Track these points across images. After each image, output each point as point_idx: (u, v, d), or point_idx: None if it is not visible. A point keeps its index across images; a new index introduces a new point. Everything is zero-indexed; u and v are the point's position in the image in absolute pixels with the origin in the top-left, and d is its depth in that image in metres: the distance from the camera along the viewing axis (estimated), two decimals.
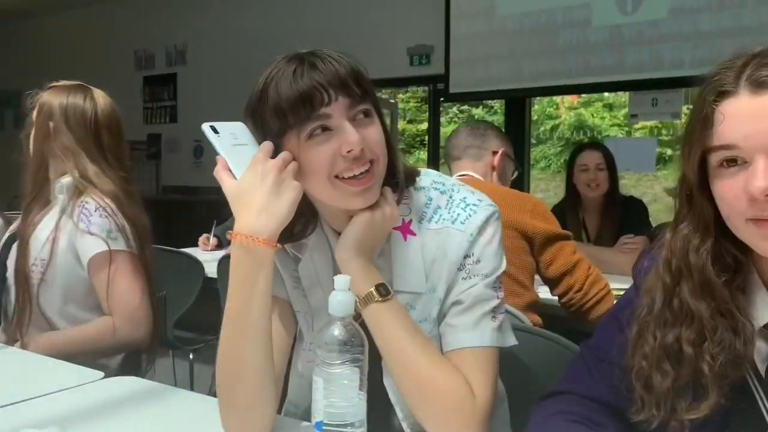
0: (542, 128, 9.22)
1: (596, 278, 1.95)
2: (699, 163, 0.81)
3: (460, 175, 2.11)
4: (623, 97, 7.31)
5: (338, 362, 0.86)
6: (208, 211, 3.11)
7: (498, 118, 7.29)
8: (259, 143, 1.00)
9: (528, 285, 1.93)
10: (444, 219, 1.05)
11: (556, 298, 1.98)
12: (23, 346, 1.60)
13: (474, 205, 1.06)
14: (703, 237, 0.84)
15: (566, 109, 9.24)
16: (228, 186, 0.98)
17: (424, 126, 7.64)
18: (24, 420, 1.06)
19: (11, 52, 7.53)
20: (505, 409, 1.21)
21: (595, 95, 8.28)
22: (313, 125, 0.96)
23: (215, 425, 1.00)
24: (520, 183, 4.25)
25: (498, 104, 6.76)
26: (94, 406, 1.16)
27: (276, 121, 0.97)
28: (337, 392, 0.87)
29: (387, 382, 1.05)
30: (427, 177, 1.10)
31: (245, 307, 0.96)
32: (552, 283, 1.97)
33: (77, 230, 1.62)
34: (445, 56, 4.71)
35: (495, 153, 2.14)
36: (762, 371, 0.83)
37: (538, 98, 7.20)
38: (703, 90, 0.81)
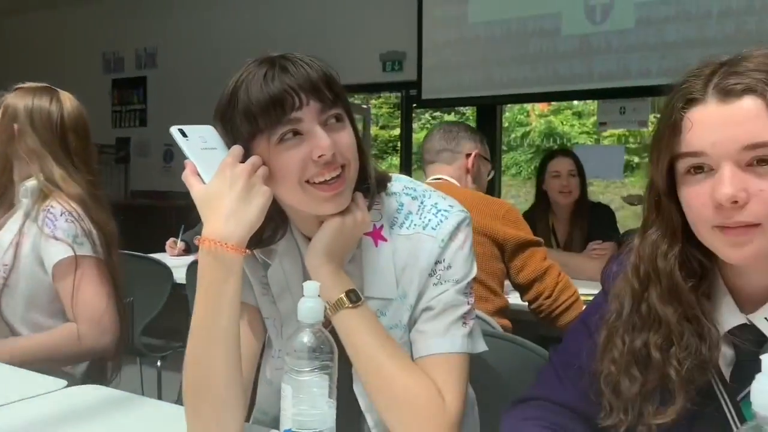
0: (513, 135, 9.31)
1: (566, 285, 1.96)
2: (667, 169, 0.82)
3: (435, 179, 2.11)
4: (592, 105, 7.42)
5: (307, 369, 0.85)
6: (178, 216, 3.07)
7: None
8: (229, 147, 0.99)
9: (498, 291, 1.94)
10: (415, 224, 1.05)
11: (526, 303, 2.00)
12: None
13: (445, 210, 1.06)
14: (671, 243, 0.85)
15: (537, 116, 9.34)
16: (196, 191, 0.96)
17: (397, 132, 7.66)
18: None
19: None
20: (476, 416, 1.21)
21: (565, 103, 8.39)
22: (283, 129, 0.95)
23: None
24: (492, 189, 4.28)
25: (470, 111, 6.79)
26: (56, 415, 1.13)
27: (246, 124, 0.96)
28: (306, 400, 0.86)
29: (357, 389, 1.04)
30: (399, 182, 1.10)
31: (213, 313, 0.94)
32: (522, 289, 1.99)
33: (42, 235, 1.59)
34: (417, 63, 4.73)
35: (468, 155, 2.15)
36: (726, 376, 0.84)
37: (509, 105, 7.27)
38: (672, 97, 0.82)
